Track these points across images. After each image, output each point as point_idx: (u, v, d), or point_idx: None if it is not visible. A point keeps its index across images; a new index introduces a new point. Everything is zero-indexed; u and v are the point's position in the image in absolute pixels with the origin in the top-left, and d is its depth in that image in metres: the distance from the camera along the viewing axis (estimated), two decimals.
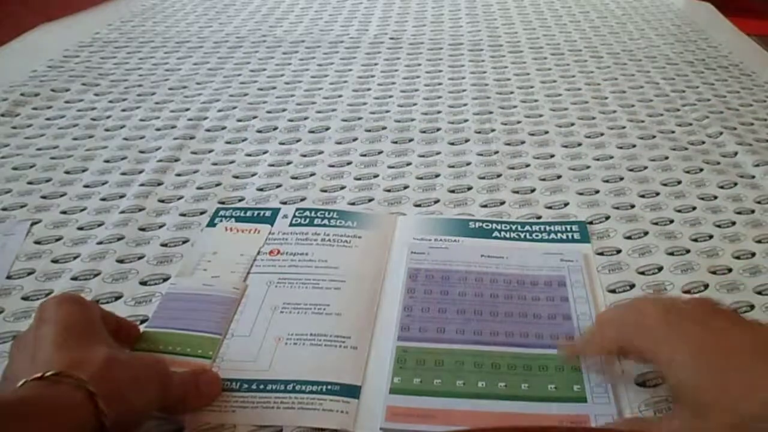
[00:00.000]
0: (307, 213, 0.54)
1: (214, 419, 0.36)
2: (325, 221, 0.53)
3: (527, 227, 0.53)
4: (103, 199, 0.58)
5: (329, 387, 0.38)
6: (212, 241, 0.51)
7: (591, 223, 0.54)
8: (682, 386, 0.31)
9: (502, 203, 0.57)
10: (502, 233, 0.52)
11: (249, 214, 0.55)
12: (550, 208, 0.57)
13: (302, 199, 0.57)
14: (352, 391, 0.38)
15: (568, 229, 0.53)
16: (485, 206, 0.57)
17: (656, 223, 0.54)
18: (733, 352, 0.30)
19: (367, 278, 0.47)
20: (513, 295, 0.45)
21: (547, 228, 0.53)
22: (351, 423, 0.36)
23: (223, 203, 0.57)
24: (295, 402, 0.37)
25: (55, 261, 0.50)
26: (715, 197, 0.58)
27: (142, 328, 0.42)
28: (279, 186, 0.60)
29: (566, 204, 0.57)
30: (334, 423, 0.36)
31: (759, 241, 0.52)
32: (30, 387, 0.29)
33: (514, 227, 0.53)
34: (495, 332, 0.42)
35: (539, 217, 0.55)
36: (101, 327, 0.35)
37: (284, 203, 0.57)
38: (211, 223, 0.54)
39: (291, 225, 0.53)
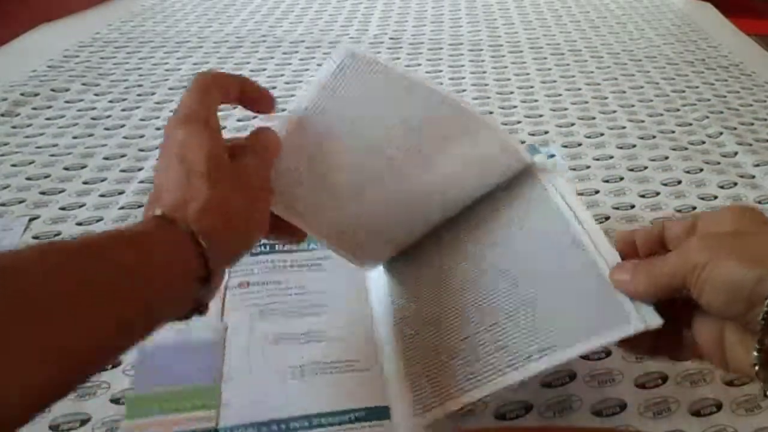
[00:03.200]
0: (264, 240, 0.49)
1: None
2: (287, 246, 0.51)
3: None
4: (102, 196, 0.58)
5: (356, 414, 0.36)
6: None
7: None
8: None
9: None
10: None
11: None
12: None
13: None
14: (381, 413, 0.37)
15: None
16: None
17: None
18: None
19: (352, 298, 0.45)
20: None
21: None
22: None
23: None
24: None
25: None
26: (715, 197, 0.58)
27: (126, 393, 0.39)
28: None
29: None
30: None
31: None
32: (146, 222, 0.29)
33: None
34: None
35: None
36: (220, 160, 0.33)
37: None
38: None
39: (252, 254, 0.50)
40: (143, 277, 0.26)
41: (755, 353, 0.26)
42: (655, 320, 0.29)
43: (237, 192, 0.32)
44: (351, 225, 0.39)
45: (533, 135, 0.70)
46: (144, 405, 0.37)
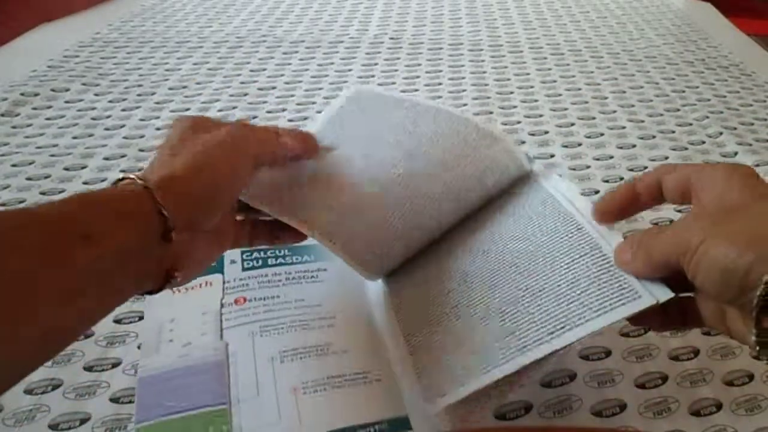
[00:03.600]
0: (257, 254, 0.49)
1: None
2: (280, 260, 0.49)
3: None
4: None
5: (378, 427, 0.35)
6: (164, 309, 0.44)
7: None
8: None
9: None
10: None
11: None
12: None
13: None
14: (402, 424, 0.36)
15: None
16: None
17: (656, 223, 0.54)
18: None
19: (353, 308, 0.44)
20: None
21: None
22: None
23: None
24: None
25: None
26: None
27: (133, 427, 0.37)
28: None
29: None
30: None
31: None
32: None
33: None
34: None
35: None
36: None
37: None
38: None
39: (244, 269, 0.48)
40: (94, 230, 0.26)
41: (753, 338, 0.26)
42: (665, 294, 0.29)
43: (205, 147, 0.32)
44: (371, 236, 0.39)
45: (533, 135, 0.70)
46: None
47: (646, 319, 0.34)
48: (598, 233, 0.34)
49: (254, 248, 0.49)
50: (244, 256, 0.49)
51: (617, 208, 0.35)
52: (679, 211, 0.56)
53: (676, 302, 0.29)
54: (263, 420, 0.36)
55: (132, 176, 0.29)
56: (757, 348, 0.26)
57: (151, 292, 0.31)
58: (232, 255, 0.49)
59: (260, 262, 0.49)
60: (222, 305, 0.44)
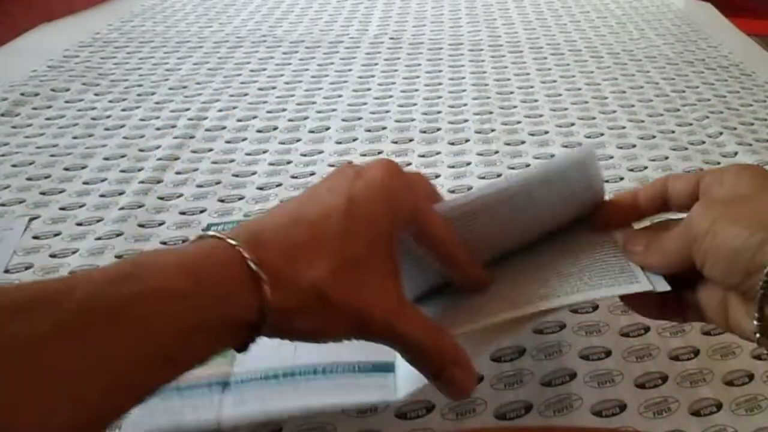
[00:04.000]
0: None
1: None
2: None
3: None
4: (102, 196, 0.58)
5: (361, 366, 0.37)
6: None
7: None
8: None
9: None
10: None
11: None
12: None
13: None
14: (385, 367, 0.37)
15: None
16: None
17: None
18: None
19: None
20: None
21: None
22: (392, 394, 0.34)
23: (222, 201, 0.57)
24: (330, 384, 0.35)
25: (53, 256, 0.50)
26: None
27: None
28: (279, 185, 0.60)
29: None
30: (375, 396, 0.35)
31: None
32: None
33: None
34: None
35: None
36: (383, 246, 0.28)
37: (283, 201, 0.57)
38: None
39: None
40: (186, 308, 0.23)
41: (755, 322, 0.26)
42: (662, 285, 0.30)
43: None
44: None
45: (533, 135, 0.70)
46: None
47: (643, 308, 0.34)
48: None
49: None
50: None
51: (618, 217, 0.35)
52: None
53: (675, 295, 0.30)
54: (262, 346, 0.37)
55: (250, 261, 0.24)
56: (757, 335, 0.26)
57: None
58: None
59: None
60: None
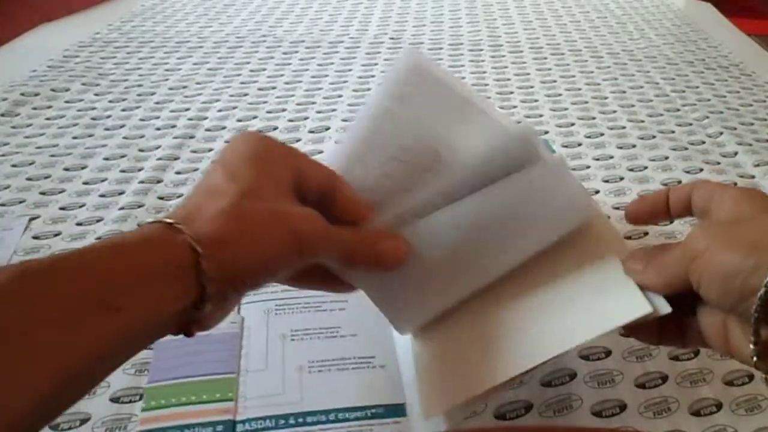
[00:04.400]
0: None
1: None
2: None
3: None
4: (102, 196, 0.58)
5: (373, 411, 0.37)
6: None
7: None
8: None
9: None
10: None
11: None
12: None
13: None
14: (398, 411, 0.37)
15: None
16: None
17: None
18: None
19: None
20: None
21: None
22: None
23: None
24: None
25: None
26: None
27: (144, 383, 0.38)
28: None
29: None
30: None
31: None
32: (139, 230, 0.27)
33: None
34: None
35: None
36: (276, 184, 0.30)
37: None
38: None
39: None
40: (120, 289, 0.24)
41: (751, 346, 0.26)
42: (664, 307, 0.29)
43: (265, 210, 0.29)
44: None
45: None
46: (162, 396, 0.38)
47: (641, 333, 0.34)
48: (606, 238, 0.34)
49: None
50: None
51: (648, 212, 0.35)
52: None
53: (674, 320, 0.30)
54: (267, 392, 0.38)
55: (180, 227, 0.26)
56: (754, 359, 0.26)
57: None
58: None
59: None
60: None
